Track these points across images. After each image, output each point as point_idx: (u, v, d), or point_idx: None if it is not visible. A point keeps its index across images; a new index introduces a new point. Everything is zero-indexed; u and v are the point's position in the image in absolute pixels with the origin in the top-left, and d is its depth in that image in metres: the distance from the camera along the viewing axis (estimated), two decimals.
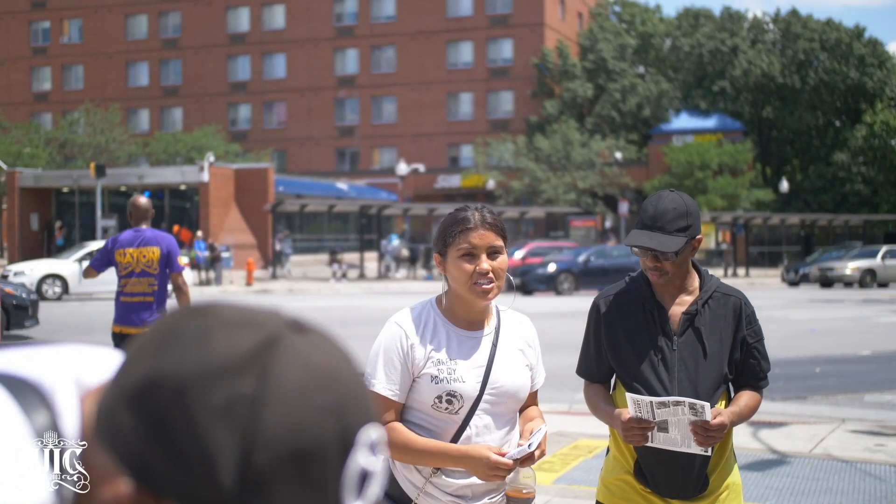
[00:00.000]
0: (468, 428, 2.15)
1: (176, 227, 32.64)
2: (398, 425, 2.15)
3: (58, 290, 20.79)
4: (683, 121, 47.60)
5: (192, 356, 0.62)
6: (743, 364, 2.46)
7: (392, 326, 2.21)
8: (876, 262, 27.99)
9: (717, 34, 47.99)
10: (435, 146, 48.58)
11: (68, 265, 21.03)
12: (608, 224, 41.22)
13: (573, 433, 6.38)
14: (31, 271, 20.88)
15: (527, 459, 2.10)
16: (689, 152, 41.23)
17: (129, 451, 0.62)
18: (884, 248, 28.79)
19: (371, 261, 32.47)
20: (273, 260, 30.98)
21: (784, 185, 41.80)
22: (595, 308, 2.52)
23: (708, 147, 41.52)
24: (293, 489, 0.61)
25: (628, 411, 2.32)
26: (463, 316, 2.20)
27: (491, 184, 41.22)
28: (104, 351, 0.75)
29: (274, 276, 29.89)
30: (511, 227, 33.25)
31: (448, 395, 2.13)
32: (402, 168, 37.07)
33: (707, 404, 2.26)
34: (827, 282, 27.90)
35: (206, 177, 32.39)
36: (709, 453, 2.32)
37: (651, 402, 2.28)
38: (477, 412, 2.15)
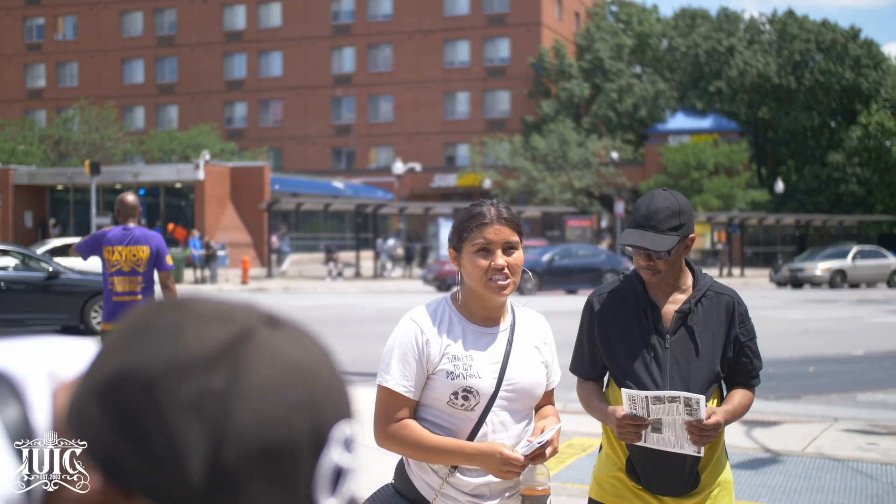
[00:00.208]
0: (484, 425, 2.12)
1: (171, 226, 32.61)
2: (411, 422, 2.13)
3: None
4: (679, 121, 47.68)
5: (163, 350, 0.61)
6: (735, 362, 2.48)
7: (407, 322, 2.18)
8: (846, 263, 27.63)
9: (714, 34, 48.08)
10: (431, 145, 48.58)
11: None
12: (604, 224, 41.29)
13: (568, 431, 6.40)
14: None
15: (539, 456, 2.08)
16: (685, 152, 41.31)
17: (98, 446, 0.61)
18: (854, 249, 28.37)
19: (367, 260, 32.46)
20: (269, 257, 30.98)
21: (779, 186, 41.90)
22: (589, 306, 2.53)
23: (704, 147, 41.61)
24: (264, 485, 0.60)
25: (623, 409, 2.33)
26: (478, 312, 2.18)
27: (487, 183, 41.25)
28: (80, 343, 0.74)
29: (269, 275, 29.87)
30: None
31: (464, 391, 2.10)
32: (399, 167, 37.07)
33: (702, 398, 2.27)
34: (797, 283, 27.49)
35: (201, 175, 32.35)
36: (700, 454, 2.34)
37: (647, 397, 2.29)
38: (493, 409, 2.13)
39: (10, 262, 13.06)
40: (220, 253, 29.62)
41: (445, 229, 36.09)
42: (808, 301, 21.79)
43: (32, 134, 41.77)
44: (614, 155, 42.80)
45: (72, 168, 34.86)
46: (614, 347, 2.45)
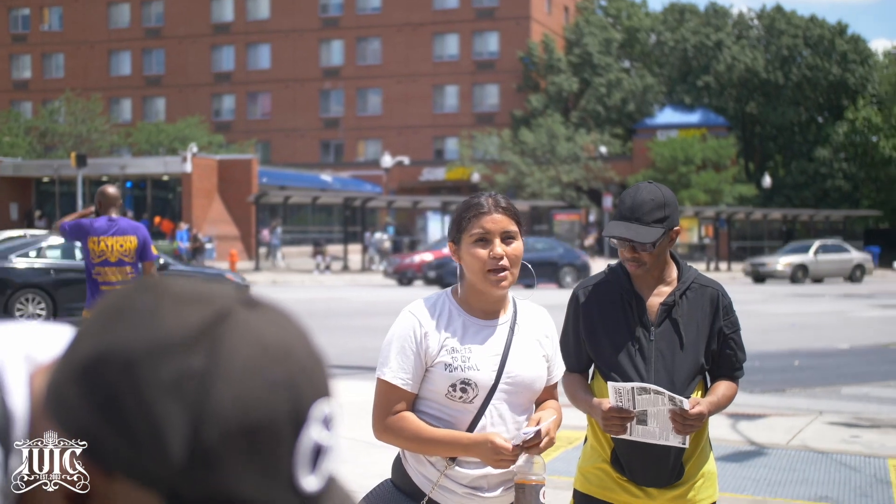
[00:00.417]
0: (484, 417, 2.11)
1: (157, 219, 32.45)
2: (408, 414, 2.12)
3: None
4: (668, 115, 47.81)
5: (141, 331, 0.61)
6: (719, 354, 2.48)
7: (406, 315, 2.17)
8: (808, 258, 27.48)
9: (702, 29, 48.20)
10: (420, 139, 48.51)
11: None
12: (592, 218, 41.39)
13: None
14: None
15: (534, 447, 2.08)
16: (672, 147, 41.44)
17: (77, 427, 0.61)
18: (816, 244, 28.26)
19: (355, 253, 32.43)
20: (257, 250, 30.88)
21: (766, 181, 42.11)
22: (574, 298, 2.53)
23: (692, 142, 41.75)
24: (244, 464, 0.60)
25: (608, 401, 2.34)
26: (478, 306, 2.17)
27: (475, 177, 41.25)
28: (56, 327, 0.74)
29: (257, 268, 29.79)
30: None
31: (462, 383, 2.09)
32: (387, 160, 37.01)
33: (686, 400, 2.28)
34: (759, 277, 27.34)
35: (188, 167, 32.19)
36: (685, 445, 2.35)
37: (632, 389, 2.29)
38: (492, 402, 2.12)
39: None
40: (208, 246, 29.52)
41: (434, 223, 36.07)
42: (795, 295, 21.93)
43: (18, 125, 41.41)
44: (602, 149, 42.88)
45: (58, 160, 34.62)
46: (599, 340, 2.45)
